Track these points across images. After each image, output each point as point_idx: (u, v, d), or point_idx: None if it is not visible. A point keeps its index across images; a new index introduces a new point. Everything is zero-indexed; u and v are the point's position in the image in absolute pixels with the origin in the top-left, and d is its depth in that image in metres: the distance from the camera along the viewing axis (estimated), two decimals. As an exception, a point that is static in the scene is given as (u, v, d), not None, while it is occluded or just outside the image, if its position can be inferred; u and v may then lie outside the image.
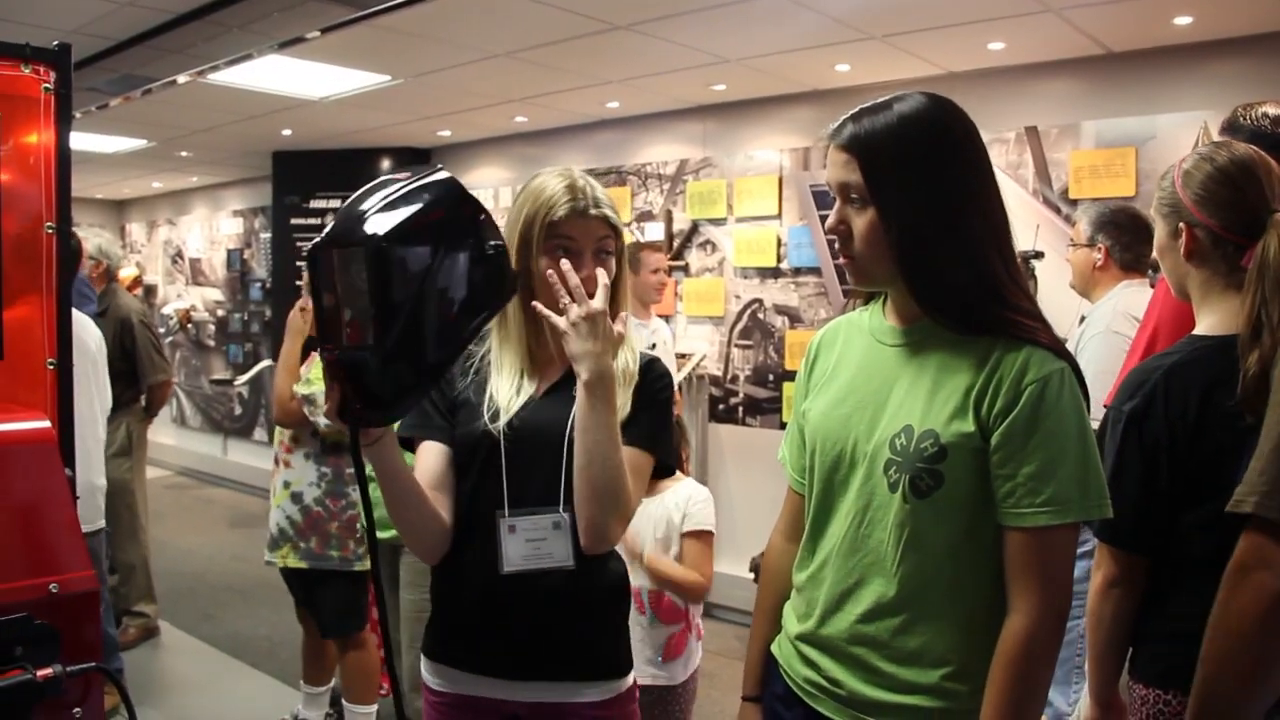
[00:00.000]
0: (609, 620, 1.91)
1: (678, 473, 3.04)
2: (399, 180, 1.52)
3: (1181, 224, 1.91)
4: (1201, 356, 1.85)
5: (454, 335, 1.51)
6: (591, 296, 1.73)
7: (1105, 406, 2.02)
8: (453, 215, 1.50)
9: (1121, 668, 1.96)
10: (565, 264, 1.71)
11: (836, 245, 1.59)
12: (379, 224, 1.43)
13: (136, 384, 5.14)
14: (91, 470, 3.78)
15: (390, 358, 1.44)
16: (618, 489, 1.73)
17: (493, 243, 1.52)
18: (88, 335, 3.85)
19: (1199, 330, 1.92)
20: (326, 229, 1.50)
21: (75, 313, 3.89)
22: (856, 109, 1.55)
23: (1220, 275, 1.89)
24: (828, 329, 1.78)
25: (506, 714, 1.87)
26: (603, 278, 1.76)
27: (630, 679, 1.92)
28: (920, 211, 1.48)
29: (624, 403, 1.81)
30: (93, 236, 5.01)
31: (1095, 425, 2.99)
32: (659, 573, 2.91)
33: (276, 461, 3.84)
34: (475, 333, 1.55)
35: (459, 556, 1.85)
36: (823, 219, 1.64)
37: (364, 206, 1.47)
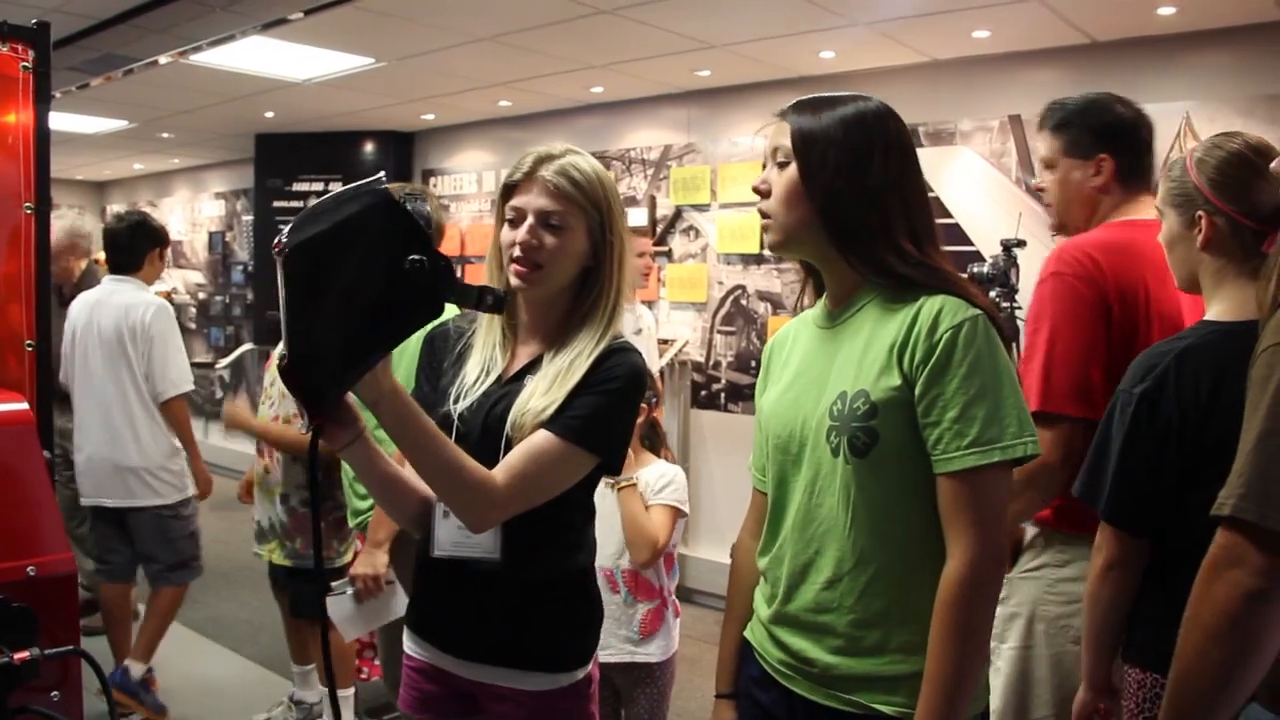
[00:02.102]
0: (546, 615, 1.85)
1: (649, 456, 3.03)
2: (340, 191, 1.50)
3: (1200, 213, 1.92)
4: (1214, 341, 1.86)
5: (361, 347, 1.48)
6: (523, 264, 1.77)
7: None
8: (372, 227, 1.46)
9: (1117, 651, 1.98)
10: None
11: (757, 206, 1.67)
12: (295, 234, 1.45)
13: None
14: (117, 450, 4.02)
15: (296, 363, 1.47)
16: (447, 482, 1.66)
17: (412, 258, 1.45)
18: (115, 315, 4.09)
19: (1210, 316, 1.93)
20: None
21: (101, 294, 4.22)
22: (808, 96, 1.66)
23: (1235, 262, 1.91)
24: (779, 332, 1.85)
25: (461, 688, 1.90)
26: (549, 245, 1.77)
27: (578, 675, 1.88)
28: (839, 169, 1.57)
29: (563, 394, 1.75)
30: (57, 219, 4.92)
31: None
32: (630, 509, 2.90)
33: (260, 453, 3.85)
34: (391, 344, 1.52)
35: (425, 534, 1.88)
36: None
37: (304, 216, 1.48)
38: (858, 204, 1.56)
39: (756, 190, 1.66)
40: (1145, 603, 1.92)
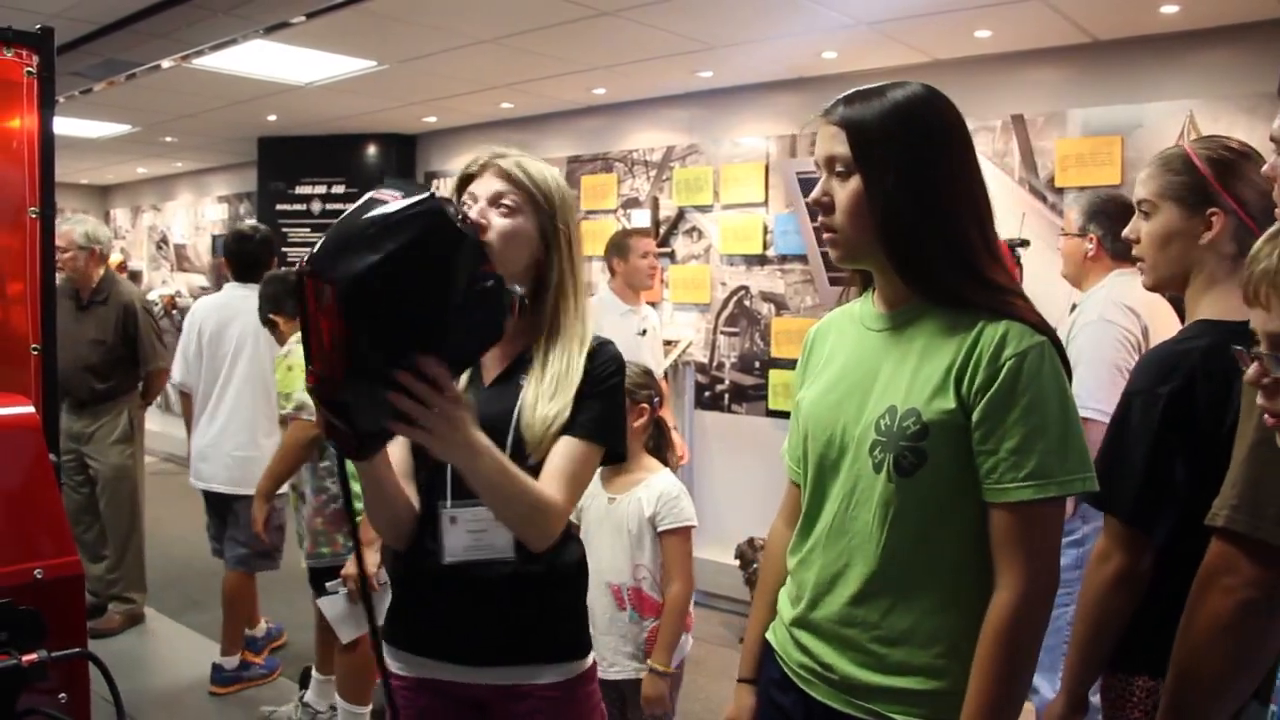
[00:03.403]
0: (559, 605, 1.88)
1: (652, 462, 3.02)
2: (385, 203, 1.39)
3: (1213, 210, 1.90)
4: (1224, 340, 1.83)
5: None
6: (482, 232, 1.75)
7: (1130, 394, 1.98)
8: (437, 252, 1.37)
9: (1107, 661, 1.95)
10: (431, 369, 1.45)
11: (819, 219, 1.60)
12: (353, 262, 1.33)
13: (137, 370, 5.14)
14: (234, 441, 4.51)
15: (361, 395, 1.40)
16: (524, 512, 1.70)
17: (486, 282, 1.40)
18: (247, 320, 4.42)
19: (1208, 316, 1.90)
20: (312, 251, 1.39)
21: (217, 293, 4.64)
22: (852, 90, 1.58)
23: (1229, 261, 1.90)
24: (823, 321, 1.80)
25: (468, 697, 1.88)
26: (498, 225, 1.79)
27: (589, 660, 1.92)
28: (903, 183, 1.50)
29: (569, 398, 1.79)
30: (78, 224, 5.00)
31: (1091, 415, 3.02)
32: (666, 649, 2.91)
33: None
34: (466, 367, 1.52)
35: (413, 544, 1.84)
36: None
37: (345, 234, 1.38)
38: (923, 223, 1.50)
39: (818, 203, 1.58)
40: (1160, 609, 1.83)
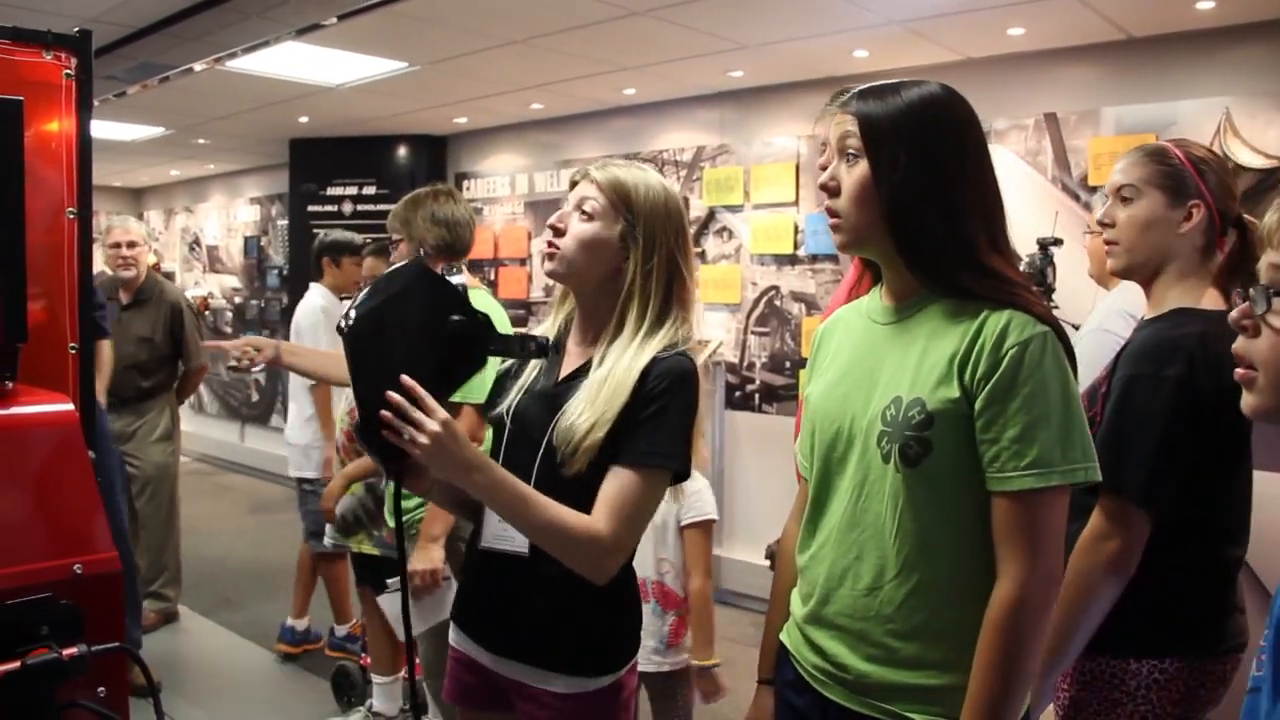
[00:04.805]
0: (571, 616, 1.84)
1: None
2: (389, 271, 1.72)
3: (1194, 202, 2.00)
4: (1215, 328, 1.85)
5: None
6: (549, 244, 1.87)
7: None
8: (417, 297, 1.64)
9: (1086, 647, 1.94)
10: (406, 383, 1.60)
11: (825, 203, 1.61)
12: (356, 311, 1.64)
13: (176, 368, 5.24)
14: (289, 428, 5.04)
15: (365, 423, 1.63)
16: (554, 541, 1.72)
17: (454, 318, 1.62)
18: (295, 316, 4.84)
19: (1185, 304, 1.99)
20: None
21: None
22: (868, 85, 1.60)
23: (1199, 254, 2.02)
24: (832, 317, 1.81)
25: (497, 685, 1.92)
26: (574, 230, 1.86)
27: (604, 682, 1.86)
28: (911, 172, 1.51)
29: (612, 414, 1.75)
30: (135, 224, 5.14)
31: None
32: (707, 643, 2.93)
33: (339, 449, 3.89)
34: (453, 391, 1.67)
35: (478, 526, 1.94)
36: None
37: (361, 296, 1.67)
38: (929, 212, 1.51)
39: (824, 187, 1.59)
40: (1155, 591, 1.89)
